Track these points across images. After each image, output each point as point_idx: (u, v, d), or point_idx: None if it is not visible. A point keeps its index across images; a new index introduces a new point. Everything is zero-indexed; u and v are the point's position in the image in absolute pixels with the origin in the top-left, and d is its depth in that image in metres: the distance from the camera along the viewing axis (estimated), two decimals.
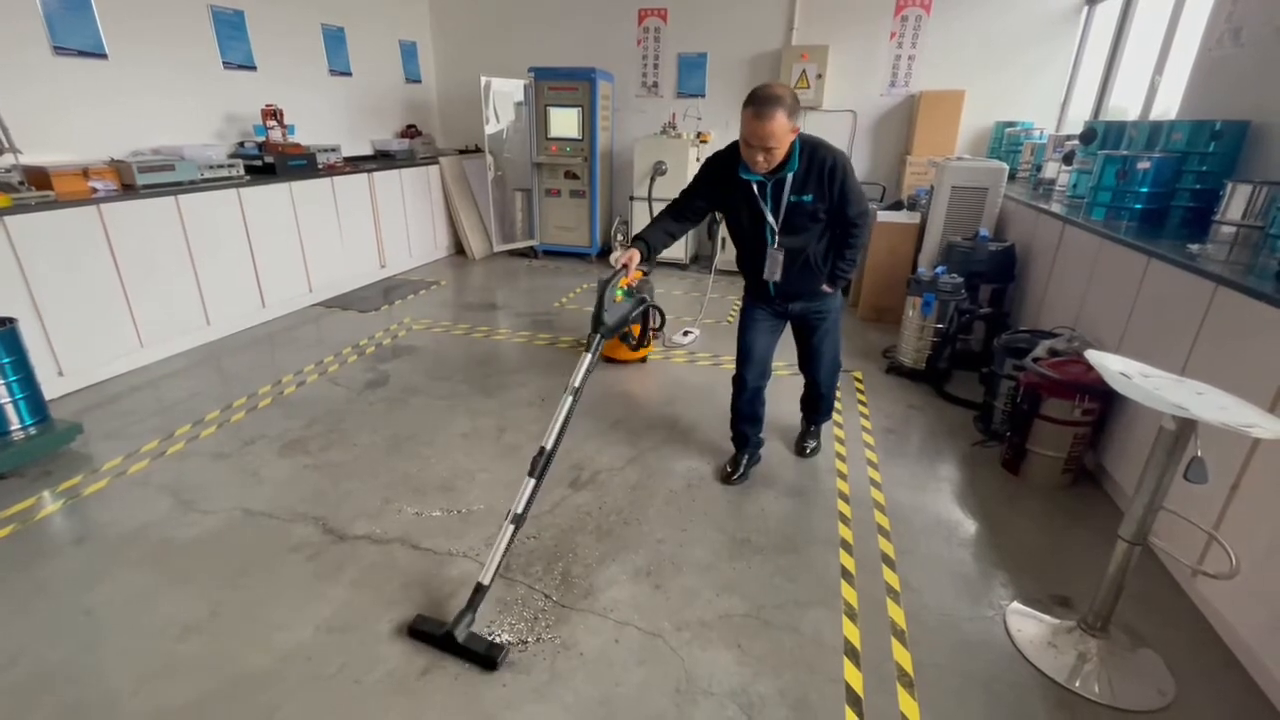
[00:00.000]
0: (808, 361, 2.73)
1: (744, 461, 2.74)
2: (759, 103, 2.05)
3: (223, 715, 1.64)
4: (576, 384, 2.03)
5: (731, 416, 2.73)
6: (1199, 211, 2.85)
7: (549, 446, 1.96)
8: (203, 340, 4.12)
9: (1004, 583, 2.17)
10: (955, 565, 2.26)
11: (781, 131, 2.07)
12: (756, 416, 2.73)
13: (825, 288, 2.48)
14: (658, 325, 3.89)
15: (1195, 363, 2.13)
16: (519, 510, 1.90)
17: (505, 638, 1.88)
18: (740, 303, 2.70)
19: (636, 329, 3.72)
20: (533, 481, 1.92)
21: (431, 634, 1.84)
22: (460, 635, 1.81)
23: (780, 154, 2.15)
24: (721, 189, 2.37)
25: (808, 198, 2.26)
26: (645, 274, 2.23)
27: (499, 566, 1.88)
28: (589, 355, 2.07)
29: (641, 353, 3.90)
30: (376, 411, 3.27)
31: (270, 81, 5.00)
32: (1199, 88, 3.28)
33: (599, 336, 2.10)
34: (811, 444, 2.94)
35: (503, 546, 1.88)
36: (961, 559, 2.29)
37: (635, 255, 2.29)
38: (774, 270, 2.39)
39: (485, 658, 1.78)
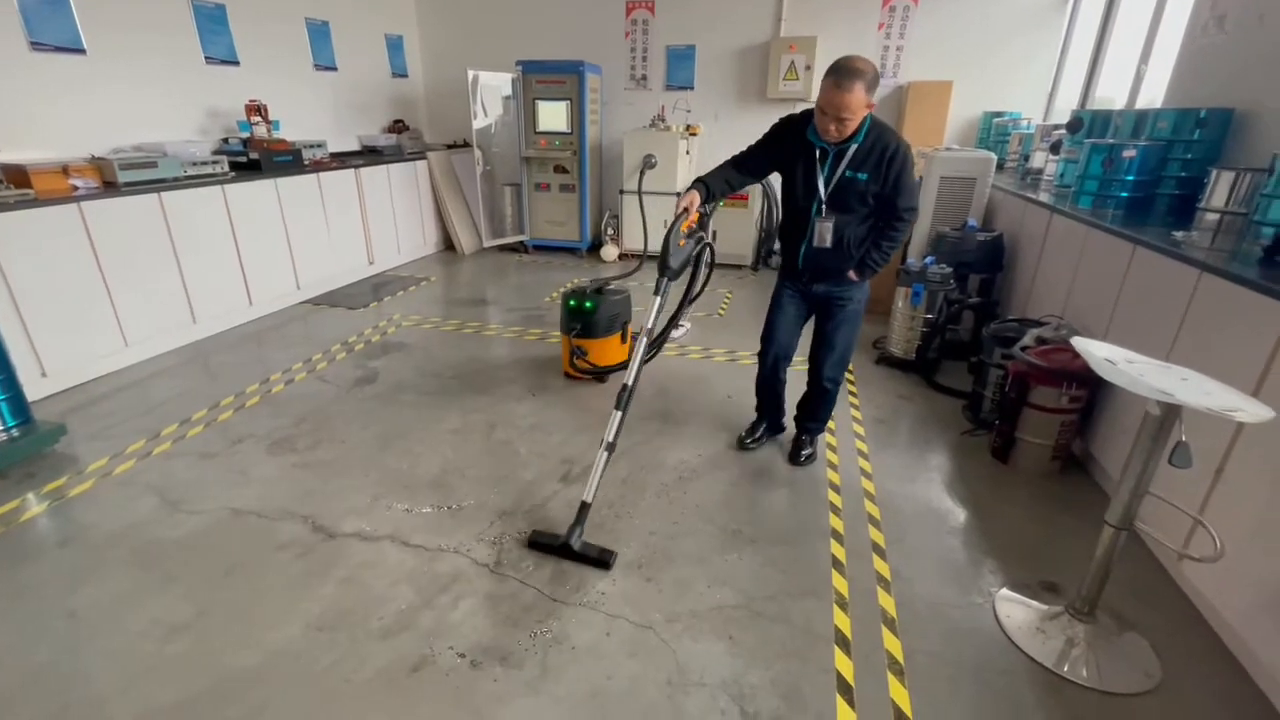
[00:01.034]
0: (818, 348, 2.67)
1: (760, 430, 2.91)
2: (840, 74, 2.09)
3: (211, 715, 1.63)
4: (649, 325, 2.34)
5: (757, 387, 2.89)
6: (1184, 199, 2.86)
7: (630, 383, 2.27)
8: (189, 339, 4.08)
9: (993, 570, 2.18)
10: (945, 553, 2.27)
11: (858, 104, 2.11)
12: (776, 394, 2.85)
13: (852, 274, 2.46)
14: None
15: (1180, 349, 2.14)
16: (610, 439, 2.24)
17: (495, 634, 1.88)
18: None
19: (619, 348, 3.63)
20: (619, 413, 2.24)
21: (550, 544, 2.19)
22: (575, 545, 2.14)
23: (852, 125, 2.19)
24: (787, 149, 2.38)
25: (863, 175, 2.27)
26: (704, 214, 2.47)
27: (597, 487, 2.21)
28: (659, 298, 2.34)
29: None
30: (366, 409, 3.25)
31: (254, 76, 4.94)
32: (1184, 76, 3.30)
33: (665, 280, 2.33)
34: (807, 451, 2.81)
35: (599, 469, 2.21)
36: (951, 547, 2.30)
37: (695, 198, 2.39)
38: (824, 237, 2.39)
39: (599, 560, 2.14)
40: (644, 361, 2.28)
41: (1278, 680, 1.65)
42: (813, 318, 2.69)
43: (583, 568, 2.15)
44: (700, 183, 2.44)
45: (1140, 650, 1.85)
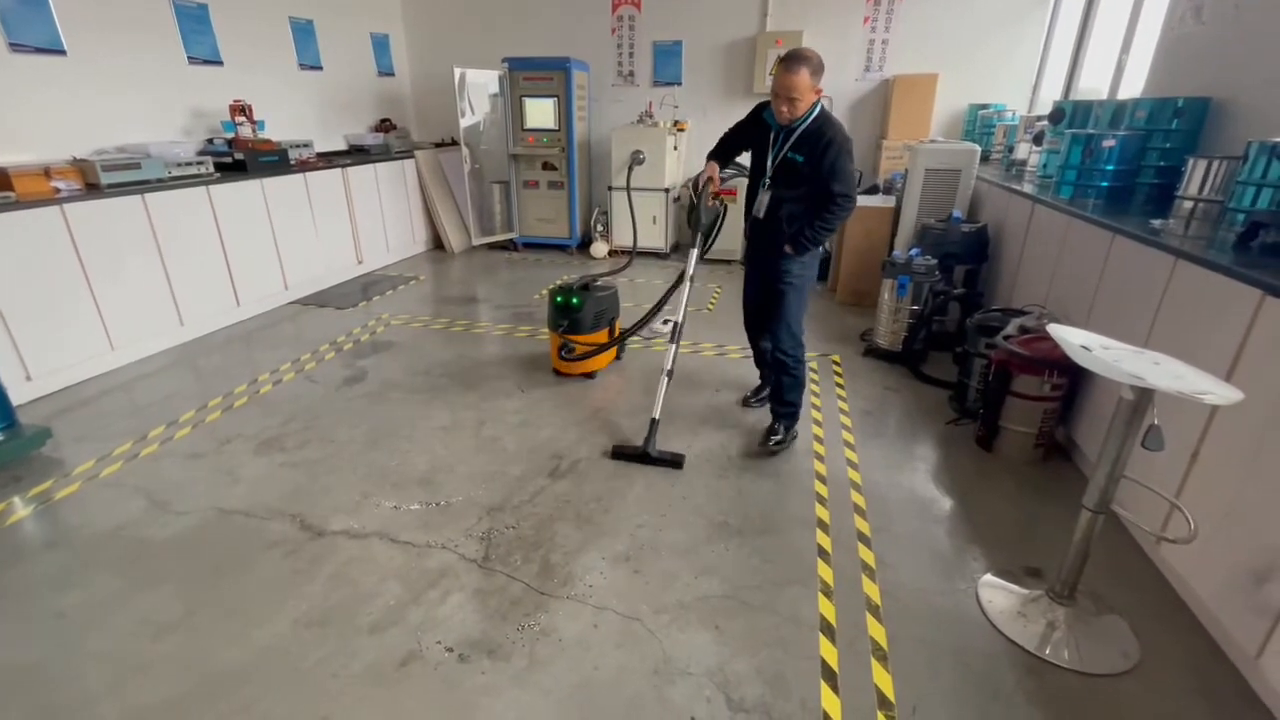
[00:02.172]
0: (767, 318, 2.82)
1: (765, 392, 3.18)
2: (788, 59, 2.38)
3: (200, 713, 1.64)
4: (690, 273, 2.90)
5: (753, 358, 3.26)
6: (1163, 188, 2.89)
7: (680, 320, 2.88)
8: (176, 341, 4.07)
9: (976, 556, 2.21)
10: (930, 541, 2.29)
11: (803, 86, 2.36)
12: (766, 362, 3.03)
13: (787, 248, 2.63)
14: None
15: (1158, 335, 2.17)
16: (668, 367, 2.83)
17: (483, 628, 1.90)
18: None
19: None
20: (674, 346, 2.82)
21: (630, 453, 2.75)
22: (653, 452, 2.70)
23: (801, 107, 2.43)
24: (754, 129, 2.70)
25: (799, 157, 2.51)
26: (724, 179, 2.96)
27: (661, 404, 2.78)
28: (695, 250, 2.91)
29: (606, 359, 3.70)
30: (355, 408, 3.25)
31: (238, 76, 4.91)
32: (1163, 66, 3.33)
33: (700, 234, 2.89)
34: (775, 438, 2.82)
35: (663, 391, 2.79)
36: (936, 535, 2.33)
37: (715, 167, 2.81)
38: (760, 208, 2.68)
39: (674, 461, 2.70)
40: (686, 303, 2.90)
41: (1251, 656, 1.68)
42: None
43: (571, 559, 2.17)
44: (713, 156, 2.84)
45: (1119, 631, 1.88)
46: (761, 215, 2.67)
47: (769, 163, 2.61)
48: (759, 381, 3.29)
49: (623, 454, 2.75)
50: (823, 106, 2.51)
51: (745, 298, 3.02)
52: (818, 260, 2.79)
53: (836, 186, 2.46)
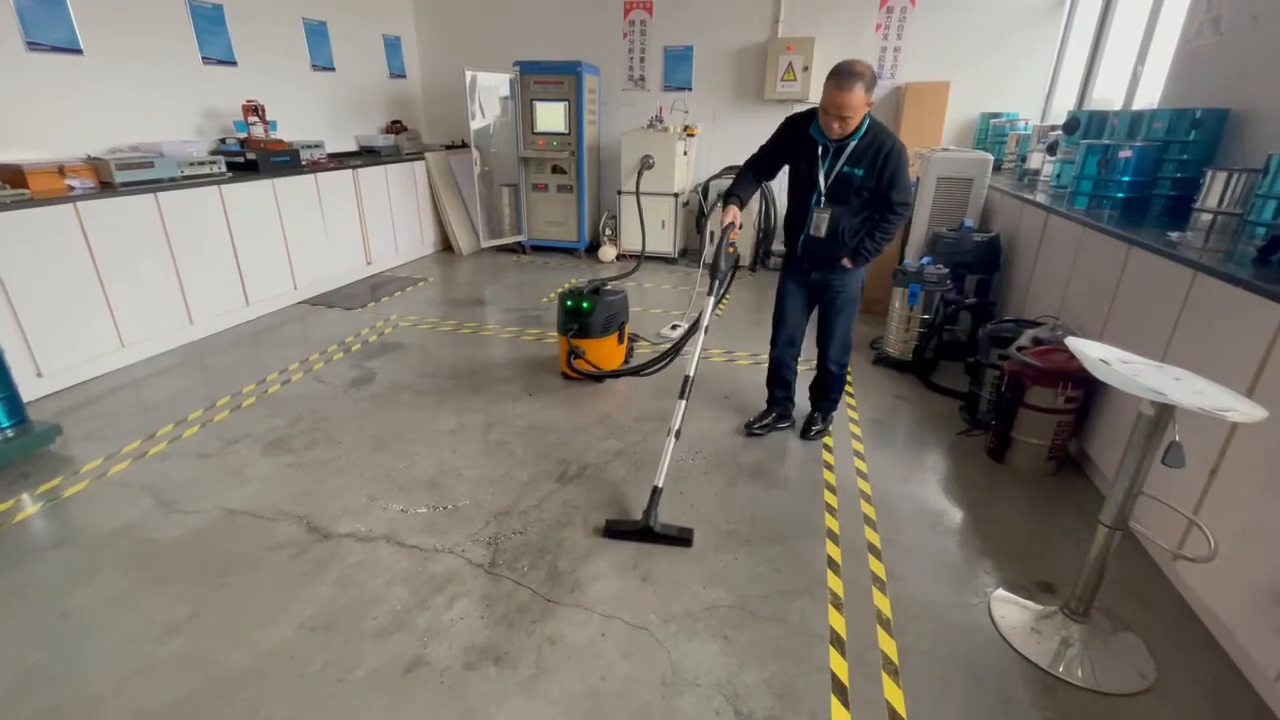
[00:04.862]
0: (821, 335, 2.87)
1: (769, 418, 3.04)
2: (841, 75, 2.30)
3: (205, 715, 1.63)
4: (705, 323, 2.68)
5: (766, 376, 3.06)
6: (1180, 199, 2.87)
7: (691, 374, 2.51)
8: (186, 339, 4.08)
9: (988, 570, 2.18)
10: (941, 553, 2.27)
11: (858, 103, 2.32)
12: (785, 381, 3.01)
13: (845, 262, 2.63)
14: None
15: (1175, 348, 2.14)
16: (676, 426, 2.39)
17: (490, 634, 1.88)
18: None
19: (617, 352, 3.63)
20: (683, 402, 2.44)
21: (628, 530, 2.26)
22: (655, 526, 2.23)
23: (854, 123, 2.39)
24: (794, 144, 2.60)
25: (859, 171, 2.47)
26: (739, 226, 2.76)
27: (666, 471, 2.33)
28: (713, 299, 2.67)
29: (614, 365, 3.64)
30: (362, 409, 3.25)
31: (251, 77, 4.94)
32: (1180, 77, 3.30)
33: (714, 281, 2.67)
34: (817, 428, 2.99)
35: (668, 456, 2.35)
36: (947, 547, 2.30)
37: (737, 213, 2.65)
38: (819, 226, 2.60)
39: (680, 539, 2.24)
40: (697, 360, 2.59)
41: (1270, 678, 1.65)
42: (815, 308, 2.88)
43: (579, 566, 2.15)
44: (735, 197, 2.69)
45: (1135, 650, 1.85)
46: (823, 234, 2.58)
47: (821, 179, 2.53)
48: (765, 405, 3.08)
49: (618, 532, 2.27)
50: (873, 117, 2.46)
51: (784, 312, 2.86)
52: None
53: (896, 196, 2.47)
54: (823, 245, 2.61)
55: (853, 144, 2.44)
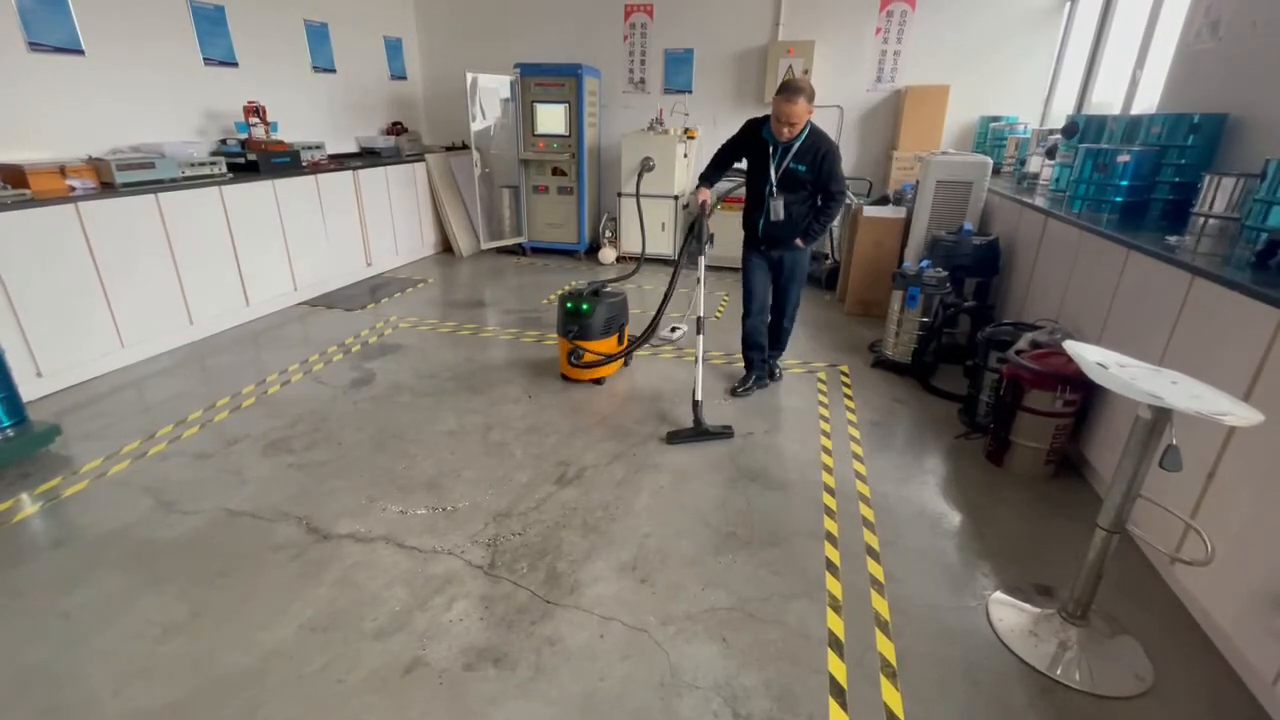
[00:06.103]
0: (778, 301, 3.46)
1: (751, 380, 3.50)
2: (788, 91, 2.85)
3: (204, 715, 1.63)
4: (701, 274, 3.36)
5: (741, 344, 3.52)
6: (1178, 204, 2.87)
7: (700, 314, 3.25)
8: (186, 340, 4.08)
9: (986, 573, 2.19)
10: (939, 556, 2.27)
11: (801, 113, 2.87)
12: (759, 344, 3.45)
13: (798, 241, 3.20)
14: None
15: (1173, 352, 2.15)
16: (700, 354, 3.19)
17: (489, 635, 1.88)
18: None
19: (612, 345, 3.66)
20: (700, 336, 3.20)
21: (686, 435, 2.96)
22: (708, 427, 2.97)
23: (799, 129, 2.94)
24: (751, 143, 3.13)
25: (801, 168, 3.03)
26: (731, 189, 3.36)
27: (700, 386, 3.09)
28: (703, 258, 3.32)
29: (612, 368, 3.68)
30: (362, 410, 3.25)
31: (252, 78, 4.95)
32: (1178, 81, 3.31)
33: (691, 238, 3.30)
34: (774, 362, 3.61)
35: (700, 377, 3.11)
36: (945, 550, 2.31)
37: (708, 192, 3.28)
38: (777, 212, 3.12)
39: (724, 433, 3.00)
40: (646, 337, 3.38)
41: (1268, 682, 1.65)
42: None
43: (578, 568, 2.15)
44: (706, 180, 3.31)
45: (1132, 653, 1.85)
46: (781, 217, 3.12)
47: (772, 172, 3.06)
48: (745, 371, 3.54)
49: (679, 437, 2.97)
50: (813, 123, 3.01)
51: (752, 287, 3.36)
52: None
53: (833, 186, 3.05)
54: (780, 227, 3.15)
55: (796, 145, 2.99)
